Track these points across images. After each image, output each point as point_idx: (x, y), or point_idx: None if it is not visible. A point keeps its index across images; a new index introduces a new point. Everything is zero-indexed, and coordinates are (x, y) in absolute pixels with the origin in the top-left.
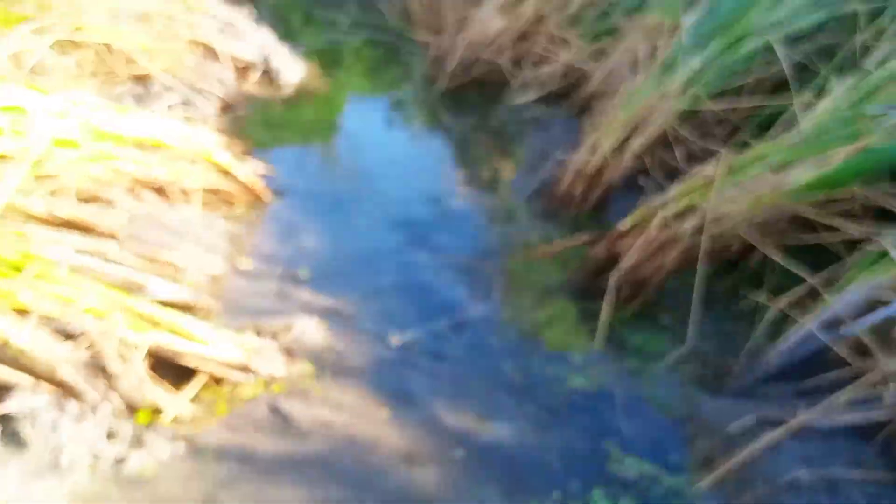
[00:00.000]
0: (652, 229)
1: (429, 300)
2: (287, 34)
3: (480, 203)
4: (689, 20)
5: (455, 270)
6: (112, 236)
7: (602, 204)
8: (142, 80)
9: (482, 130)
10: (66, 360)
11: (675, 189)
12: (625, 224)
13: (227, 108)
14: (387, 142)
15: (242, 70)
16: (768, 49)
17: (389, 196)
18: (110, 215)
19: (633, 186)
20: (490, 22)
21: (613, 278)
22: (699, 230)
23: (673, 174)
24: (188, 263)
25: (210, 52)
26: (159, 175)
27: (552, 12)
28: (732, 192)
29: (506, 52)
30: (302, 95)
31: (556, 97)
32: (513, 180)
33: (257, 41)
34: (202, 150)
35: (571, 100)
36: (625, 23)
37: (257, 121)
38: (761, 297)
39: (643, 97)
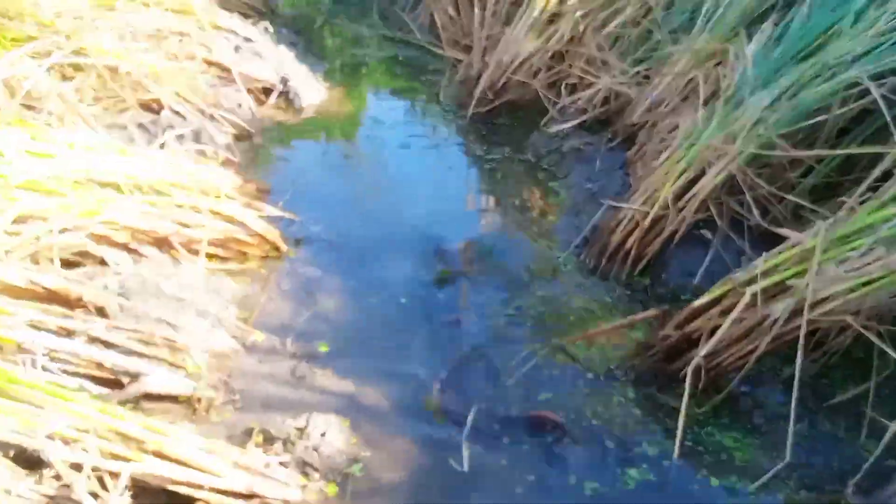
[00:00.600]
0: (737, 310)
1: (475, 385)
2: (307, 50)
3: (521, 251)
4: (752, 49)
5: (501, 343)
6: (101, 310)
7: (661, 259)
8: (149, 106)
9: (518, 162)
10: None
11: (762, 261)
12: (701, 300)
13: (242, 136)
14: (414, 174)
15: (259, 92)
16: (852, 83)
17: (419, 242)
18: (100, 283)
19: (696, 239)
20: (522, 41)
21: (691, 367)
22: (796, 313)
23: (741, 225)
24: (190, 341)
25: (225, 74)
26: (161, 226)
27: (590, 31)
28: (835, 271)
29: (540, 74)
30: (322, 119)
31: (596, 124)
32: (555, 224)
33: (275, 60)
34: (212, 192)
35: (614, 128)
36: (671, 44)
37: (274, 151)
38: (865, 390)
39: (705, 138)
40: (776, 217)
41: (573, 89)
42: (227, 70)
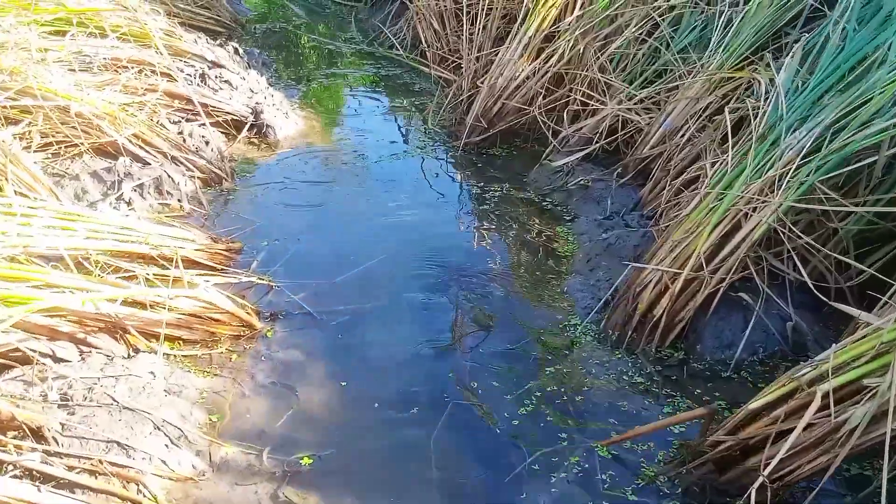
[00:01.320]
0: (807, 416)
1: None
2: (280, 72)
3: (530, 317)
4: (782, 79)
5: (512, 449)
6: (37, 432)
7: (695, 328)
8: (105, 150)
9: (519, 202)
10: None
11: (832, 355)
12: (758, 400)
13: (210, 180)
14: (404, 220)
15: (229, 126)
16: None
17: (413, 310)
18: (37, 394)
19: (732, 302)
20: (517, 63)
21: (754, 488)
22: (877, 419)
23: (784, 284)
24: (146, 466)
25: (190, 107)
26: (114, 310)
27: (591, 51)
28: None
29: (537, 99)
30: (299, 155)
31: (604, 155)
32: (567, 281)
33: (245, 88)
34: (176, 259)
35: (625, 161)
36: (681, 66)
37: (247, 197)
38: None
39: (739, 185)
40: (819, 270)
41: (575, 116)
42: (192, 103)
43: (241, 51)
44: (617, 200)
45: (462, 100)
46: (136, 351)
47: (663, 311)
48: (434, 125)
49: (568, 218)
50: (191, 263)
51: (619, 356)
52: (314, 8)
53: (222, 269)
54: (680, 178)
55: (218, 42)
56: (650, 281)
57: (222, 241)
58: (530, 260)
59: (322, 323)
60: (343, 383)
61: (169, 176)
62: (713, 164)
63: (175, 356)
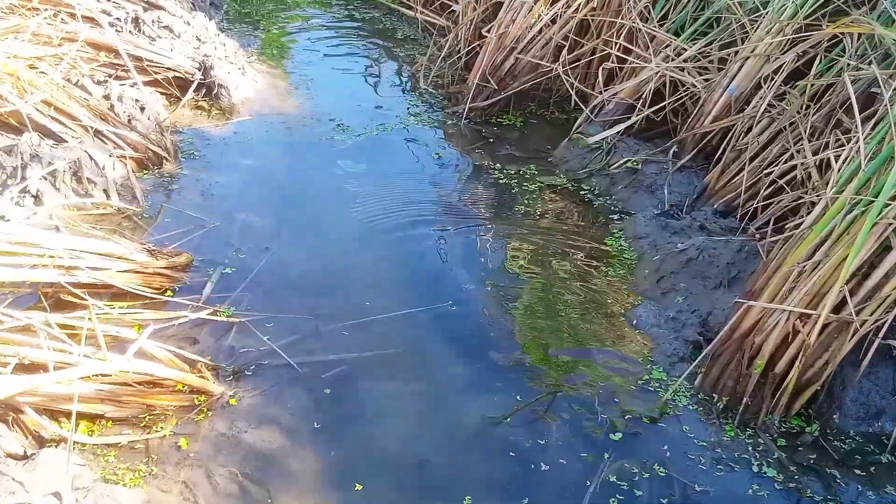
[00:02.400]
0: None
1: None
2: (235, 13)
3: (596, 374)
4: None
5: None
6: None
7: (831, 392)
8: (6, 124)
9: (548, 192)
10: None
11: None
12: None
13: (147, 161)
14: (401, 218)
15: (171, 85)
16: None
17: (422, 356)
18: None
19: (880, 355)
20: (533, 9)
21: None
22: None
23: None
24: None
25: (120, 61)
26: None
27: None
28: None
29: (561, 54)
30: (261, 124)
31: (649, 127)
32: (636, 312)
33: (192, 35)
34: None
35: (681, 138)
36: (742, 11)
37: (196, 183)
38: None
39: (883, 195)
40: None
41: (610, 77)
42: (122, 57)
43: None
44: (676, 189)
45: (461, 53)
46: (39, 442)
47: (792, 369)
48: (428, 85)
49: (616, 213)
50: (118, 295)
51: (730, 432)
52: None
53: (163, 298)
54: (761, 162)
55: None
56: (771, 326)
57: (163, 255)
58: (576, 276)
59: (302, 378)
60: (337, 486)
61: (91, 158)
62: (817, 150)
63: (94, 449)
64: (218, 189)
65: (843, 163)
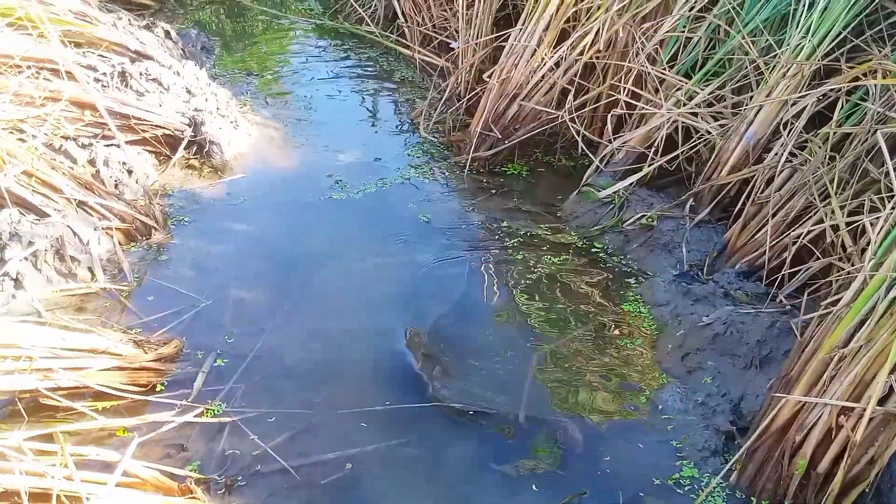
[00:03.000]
0: None
1: None
2: (226, 58)
3: (619, 469)
4: None
5: None
6: None
7: (879, 490)
8: None
9: (558, 251)
10: None
11: None
12: None
13: (134, 231)
14: (404, 286)
15: (160, 144)
16: None
17: (432, 462)
18: None
19: None
20: (536, 53)
21: None
22: None
23: None
24: None
25: (105, 120)
26: None
27: (633, 35)
28: None
29: (566, 100)
30: (255, 183)
31: (663, 176)
32: (660, 394)
33: (182, 86)
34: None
35: (697, 191)
36: (756, 52)
37: (187, 253)
38: None
39: None
40: None
41: (620, 123)
42: (109, 113)
43: (173, 34)
44: (694, 247)
45: (461, 98)
46: None
47: (837, 468)
48: (427, 132)
49: (633, 275)
50: (102, 394)
51: None
52: None
53: (148, 398)
54: (785, 217)
55: (145, 23)
56: (811, 421)
57: (150, 346)
58: (592, 346)
59: (304, 487)
60: None
61: (74, 233)
62: (845, 202)
63: None
64: (209, 260)
65: (880, 230)
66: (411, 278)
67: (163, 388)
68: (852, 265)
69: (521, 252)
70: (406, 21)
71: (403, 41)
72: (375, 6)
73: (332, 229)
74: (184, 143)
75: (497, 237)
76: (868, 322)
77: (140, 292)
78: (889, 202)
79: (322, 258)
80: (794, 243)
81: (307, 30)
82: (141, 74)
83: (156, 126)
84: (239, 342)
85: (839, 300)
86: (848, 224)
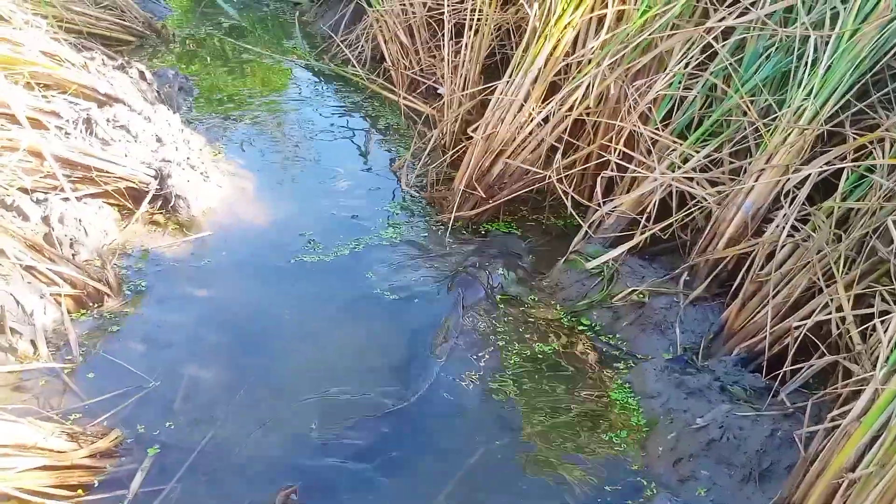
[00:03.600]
0: None
1: None
2: (205, 100)
3: None
4: None
5: None
6: None
7: None
8: None
9: (541, 327)
10: None
11: None
12: None
13: (86, 298)
14: (380, 374)
15: (124, 197)
16: None
17: None
18: None
19: None
20: (523, 108)
21: None
22: None
23: None
24: None
25: (68, 170)
26: None
27: (625, 92)
28: None
29: (554, 158)
30: (224, 240)
31: (656, 244)
32: None
33: (152, 134)
34: None
35: (692, 264)
36: (754, 113)
37: (141, 325)
38: None
39: None
40: None
41: (610, 185)
42: (72, 165)
43: (148, 75)
44: (689, 327)
45: (446, 150)
46: None
47: None
48: (409, 186)
49: (622, 358)
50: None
51: None
52: (249, 4)
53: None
54: (786, 298)
55: (119, 62)
56: None
57: (86, 439)
58: (575, 441)
59: None
60: None
61: (18, 302)
62: (850, 284)
63: None
64: (165, 332)
65: (893, 334)
66: (381, 361)
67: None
68: (861, 367)
69: (500, 329)
70: (392, 64)
71: (390, 85)
72: (362, 47)
73: (299, 299)
74: (148, 197)
75: (477, 312)
76: (881, 441)
77: (85, 369)
78: None
79: (285, 333)
80: (798, 330)
81: (292, 71)
82: (108, 121)
83: (119, 178)
84: (187, 432)
85: (848, 411)
86: (856, 316)
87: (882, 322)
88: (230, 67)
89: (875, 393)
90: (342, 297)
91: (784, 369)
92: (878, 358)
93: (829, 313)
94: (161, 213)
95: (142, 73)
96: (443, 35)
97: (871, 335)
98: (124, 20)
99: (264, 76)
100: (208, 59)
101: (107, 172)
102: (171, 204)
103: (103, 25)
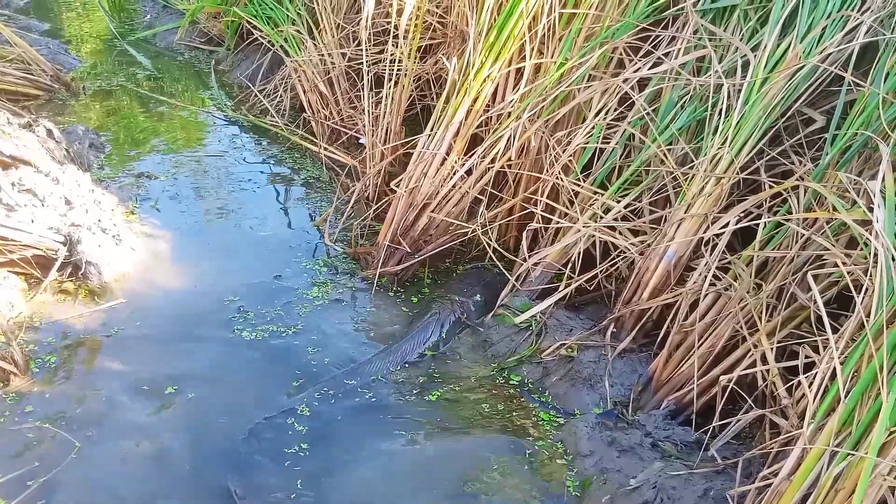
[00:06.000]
0: None
1: None
2: (117, 158)
3: None
4: (883, 217)
5: None
6: None
7: None
8: None
9: (474, 385)
10: None
11: None
12: None
13: None
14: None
15: (31, 265)
16: None
17: None
18: None
19: None
20: (446, 161)
21: None
22: None
23: None
24: None
25: None
26: None
27: (545, 143)
28: None
29: (478, 211)
30: (138, 310)
31: (582, 296)
32: None
33: (60, 196)
34: None
35: (616, 313)
36: (672, 162)
37: (44, 408)
38: None
39: (874, 433)
40: None
41: (535, 237)
42: None
43: (57, 132)
44: (618, 380)
45: (370, 204)
46: None
47: None
48: (333, 243)
49: (550, 416)
50: None
51: None
52: (163, 53)
53: None
54: (711, 349)
55: (26, 120)
56: None
57: None
58: None
59: None
60: None
61: None
62: (773, 331)
63: None
64: (69, 418)
65: (817, 389)
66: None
67: None
68: (789, 422)
69: (435, 393)
70: (313, 114)
71: (310, 136)
72: (281, 97)
73: (226, 374)
74: (57, 265)
75: (409, 378)
76: (813, 499)
77: None
78: (822, 350)
79: (209, 416)
80: (724, 383)
81: (208, 123)
82: (13, 185)
83: (26, 246)
84: None
85: (779, 469)
86: (781, 369)
87: (806, 377)
88: (144, 121)
89: (804, 451)
90: (268, 358)
91: (713, 424)
92: (805, 411)
93: (755, 365)
94: (71, 280)
95: (49, 132)
96: (362, 86)
97: (797, 388)
98: (31, 73)
99: (180, 129)
100: (120, 112)
101: (11, 241)
102: (82, 271)
103: (8, 80)
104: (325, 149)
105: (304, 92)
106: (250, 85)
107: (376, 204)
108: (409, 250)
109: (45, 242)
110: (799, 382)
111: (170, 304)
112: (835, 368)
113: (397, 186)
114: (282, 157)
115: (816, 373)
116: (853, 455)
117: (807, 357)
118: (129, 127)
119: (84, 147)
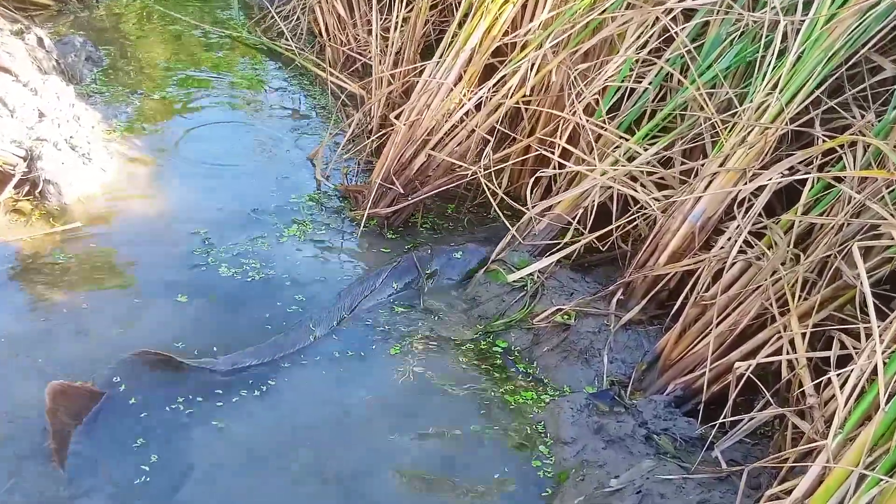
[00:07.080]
0: None
1: None
2: (114, 73)
3: None
4: None
5: None
6: None
7: None
8: None
9: (453, 351)
10: None
11: None
12: None
13: None
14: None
15: None
16: None
17: None
18: None
19: None
20: (453, 92)
21: None
22: None
23: None
24: None
25: None
26: None
27: (568, 79)
28: None
29: (484, 152)
30: (91, 235)
31: (590, 255)
32: None
33: (33, 108)
34: None
35: (627, 277)
36: (713, 109)
37: None
38: None
39: None
40: None
41: (547, 186)
42: None
43: (48, 42)
44: (619, 355)
45: (371, 135)
46: None
47: None
48: (322, 176)
49: (538, 390)
50: None
51: None
52: None
53: None
54: (732, 327)
55: (18, 27)
56: None
57: None
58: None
59: None
60: None
61: None
62: (809, 312)
63: None
64: (9, 344)
65: (850, 391)
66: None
67: None
68: (812, 427)
69: (420, 355)
70: (329, 39)
71: (322, 63)
72: (299, 19)
73: (180, 317)
74: (13, 181)
75: (378, 335)
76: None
77: None
78: (864, 340)
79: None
80: (742, 371)
81: (220, 43)
82: None
83: None
84: None
85: (793, 487)
86: (810, 359)
87: (839, 374)
88: (153, 38)
89: (825, 469)
90: (226, 306)
91: (722, 419)
92: (833, 416)
93: (780, 352)
94: (28, 199)
95: (40, 40)
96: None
97: (826, 386)
98: None
99: (188, 49)
100: (132, 28)
101: None
102: (39, 189)
103: None
104: (332, 74)
105: (322, 14)
106: (268, 5)
107: (378, 136)
108: (402, 191)
109: (3, 156)
110: (830, 380)
111: (130, 233)
112: (876, 366)
113: (397, 119)
114: (290, 82)
115: (853, 369)
116: (887, 482)
117: (843, 349)
118: (135, 43)
119: (80, 59)
